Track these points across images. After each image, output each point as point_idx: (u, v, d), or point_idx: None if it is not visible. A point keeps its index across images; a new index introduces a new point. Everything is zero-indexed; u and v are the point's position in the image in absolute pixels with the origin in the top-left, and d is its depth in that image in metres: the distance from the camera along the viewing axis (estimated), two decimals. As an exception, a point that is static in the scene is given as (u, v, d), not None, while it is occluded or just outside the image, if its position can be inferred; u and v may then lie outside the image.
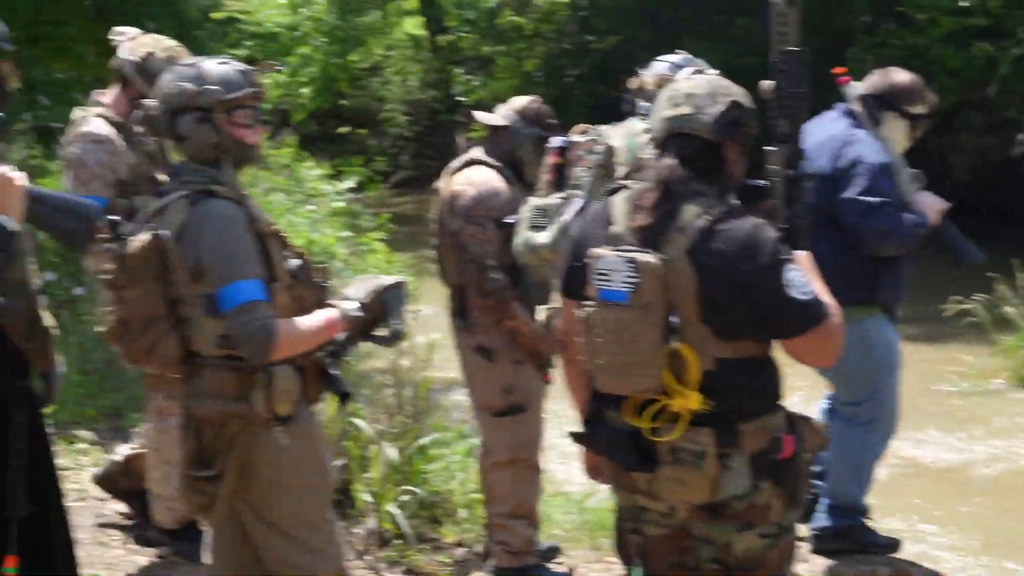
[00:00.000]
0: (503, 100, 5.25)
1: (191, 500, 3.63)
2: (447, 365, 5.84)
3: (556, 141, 4.58)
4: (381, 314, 3.72)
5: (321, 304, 3.62)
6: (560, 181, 4.48)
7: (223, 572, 3.76)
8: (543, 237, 4.38)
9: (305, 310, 3.54)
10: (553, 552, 5.31)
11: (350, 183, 11.87)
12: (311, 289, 3.62)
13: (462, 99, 20.26)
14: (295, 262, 3.59)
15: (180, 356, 3.52)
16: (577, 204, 4.30)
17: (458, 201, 4.90)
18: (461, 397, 6.19)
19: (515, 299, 4.84)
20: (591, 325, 3.23)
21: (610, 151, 4.30)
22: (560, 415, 6.45)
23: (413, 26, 23.11)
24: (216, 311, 3.40)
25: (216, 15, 18.70)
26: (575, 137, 4.52)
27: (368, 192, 13.00)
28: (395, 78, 23.27)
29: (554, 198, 4.42)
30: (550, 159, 4.55)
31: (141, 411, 6.25)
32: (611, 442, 3.29)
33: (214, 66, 3.54)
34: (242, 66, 3.59)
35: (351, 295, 3.69)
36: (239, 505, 3.60)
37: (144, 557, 5.16)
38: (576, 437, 3.44)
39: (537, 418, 5.06)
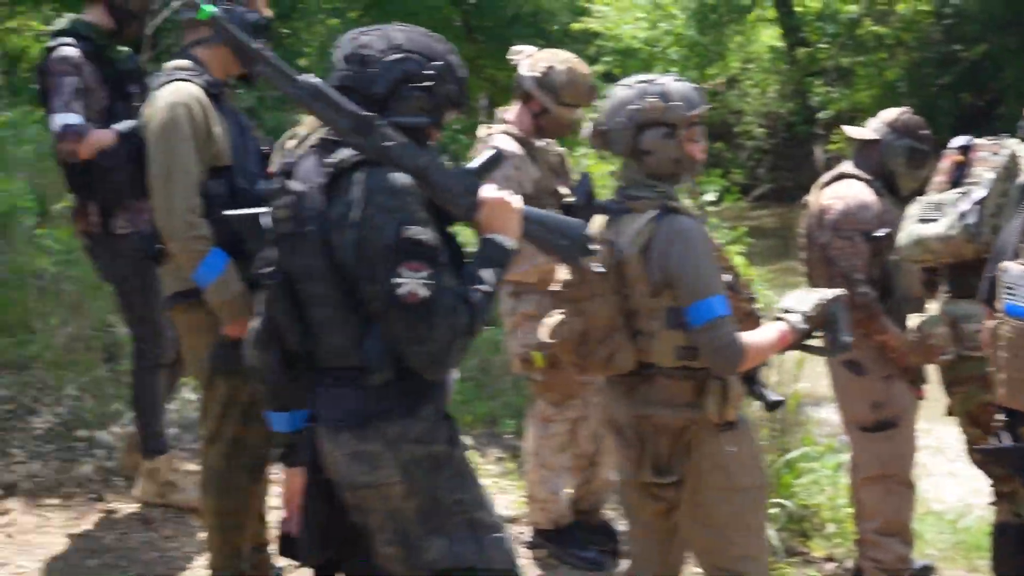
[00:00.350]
0: (863, 111, 5.18)
1: (648, 507, 3.75)
2: (817, 380, 5.80)
3: (958, 140, 4.50)
4: (822, 326, 3.73)
5: (751, 316, 3.67)
6: (956, 180, 4.39)
7: (647, 573, 3.87)
8: (935, 228, 4.30)
9: (738, 322, 3.58)
10: (927, 571, 5.20)
11: (710, 196, 11.88)
12: (744, 301, 3.69)
13: (820, 111, 19.97)
14: (729, 276, 3.66)
15: (633, 366, 3.62)
16: (976, 195, 4.19)
17: (827, 215, 4.88)
18: (831, 413, 6.13)
19: (884, 313, 4.79)
20: (997, 338, 3.16)
21: (1014, 156, 4.19)
22: (930, 432, 6.34)
23: (771, 37, 22.93)
24: (679, 324, 3.48)
25: (575, 26, 19.20)
26: (979, 140, 4.43)
27: (725, 204, 12.97)
28: (753, 91, 23.12)
29: (950, 193, 4.33)
30: (948, 160, 4.47)
31: (516, 418, 6.51)
32: (1015, 458, 3.22)
33: (673, 82, 3.60)
34: (693, 84, 3.65)
35: (793, 307, 3.72)
36: (680, 508, 3.69)
37: (520, 559, 5.30)
38: (982, 452, 3.37)
39: (909, 434, 4.96)
